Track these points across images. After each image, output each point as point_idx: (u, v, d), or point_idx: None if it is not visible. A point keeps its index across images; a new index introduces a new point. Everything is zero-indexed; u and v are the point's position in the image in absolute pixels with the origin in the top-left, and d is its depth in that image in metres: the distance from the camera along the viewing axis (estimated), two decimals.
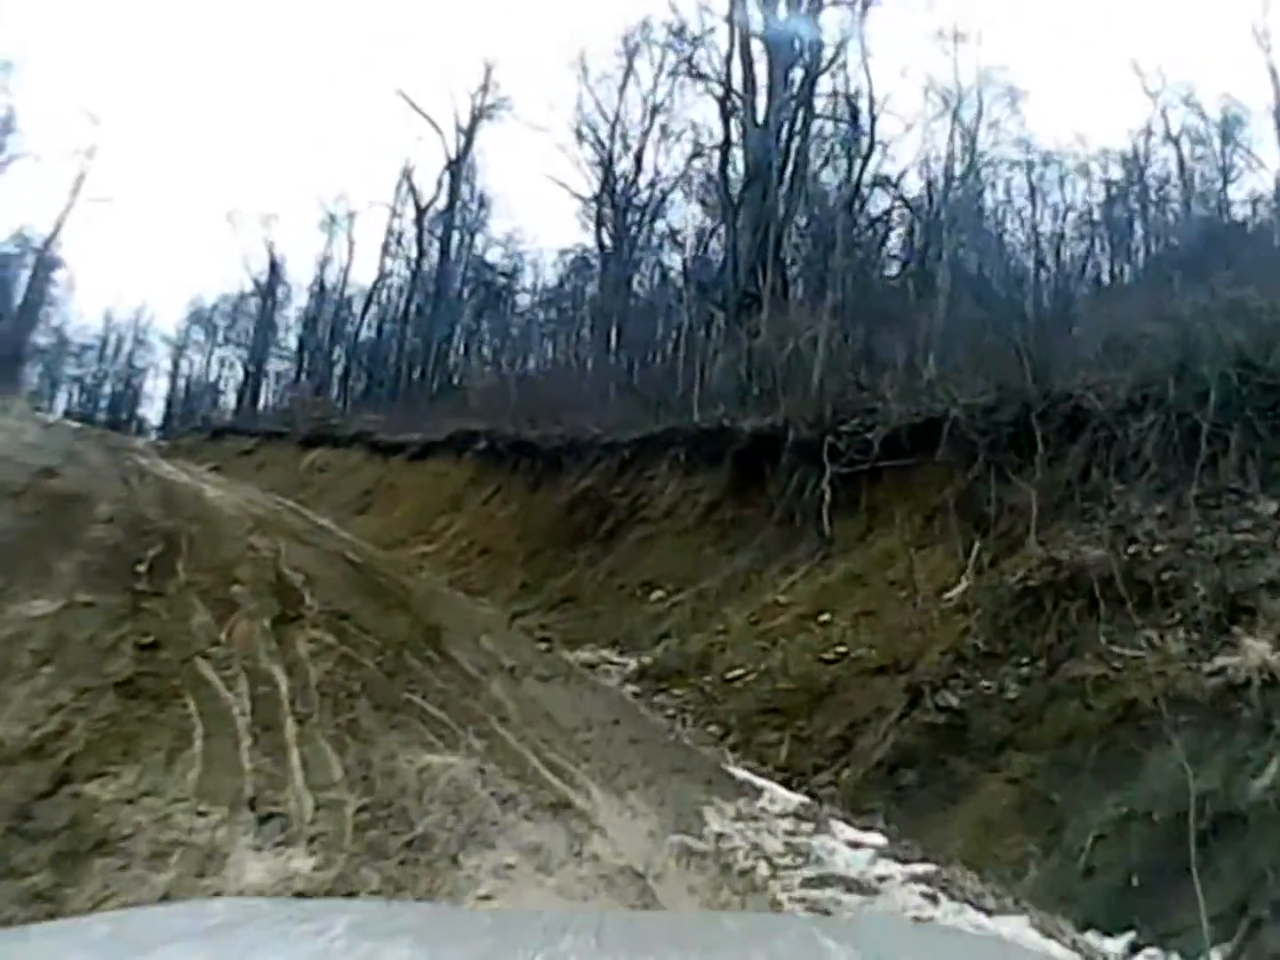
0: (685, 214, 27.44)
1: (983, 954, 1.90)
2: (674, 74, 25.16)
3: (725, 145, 20.45)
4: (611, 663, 8.22)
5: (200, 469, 25.16)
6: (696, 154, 24.40)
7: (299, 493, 20.45)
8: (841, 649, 6.90)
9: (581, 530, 11.75)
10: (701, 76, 22.32)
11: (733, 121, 20.24)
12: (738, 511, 10.14)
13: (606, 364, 23.56)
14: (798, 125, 19.59)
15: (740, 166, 19.90)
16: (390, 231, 35.48)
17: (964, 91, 23.21)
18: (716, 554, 9.87)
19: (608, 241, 27.69)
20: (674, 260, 27.89)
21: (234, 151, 75.07)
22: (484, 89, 32.57)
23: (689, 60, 22.99)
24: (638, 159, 27.61)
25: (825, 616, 7.49)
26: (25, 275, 40.85)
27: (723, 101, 20.62)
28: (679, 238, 27.19)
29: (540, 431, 14.56)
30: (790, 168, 19.24)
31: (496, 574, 11.85)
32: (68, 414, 47.38)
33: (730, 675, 7.22)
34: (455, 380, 29.39)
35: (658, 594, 9.58)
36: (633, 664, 8.05)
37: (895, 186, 23.83)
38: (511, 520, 13.35)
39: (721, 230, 22.09)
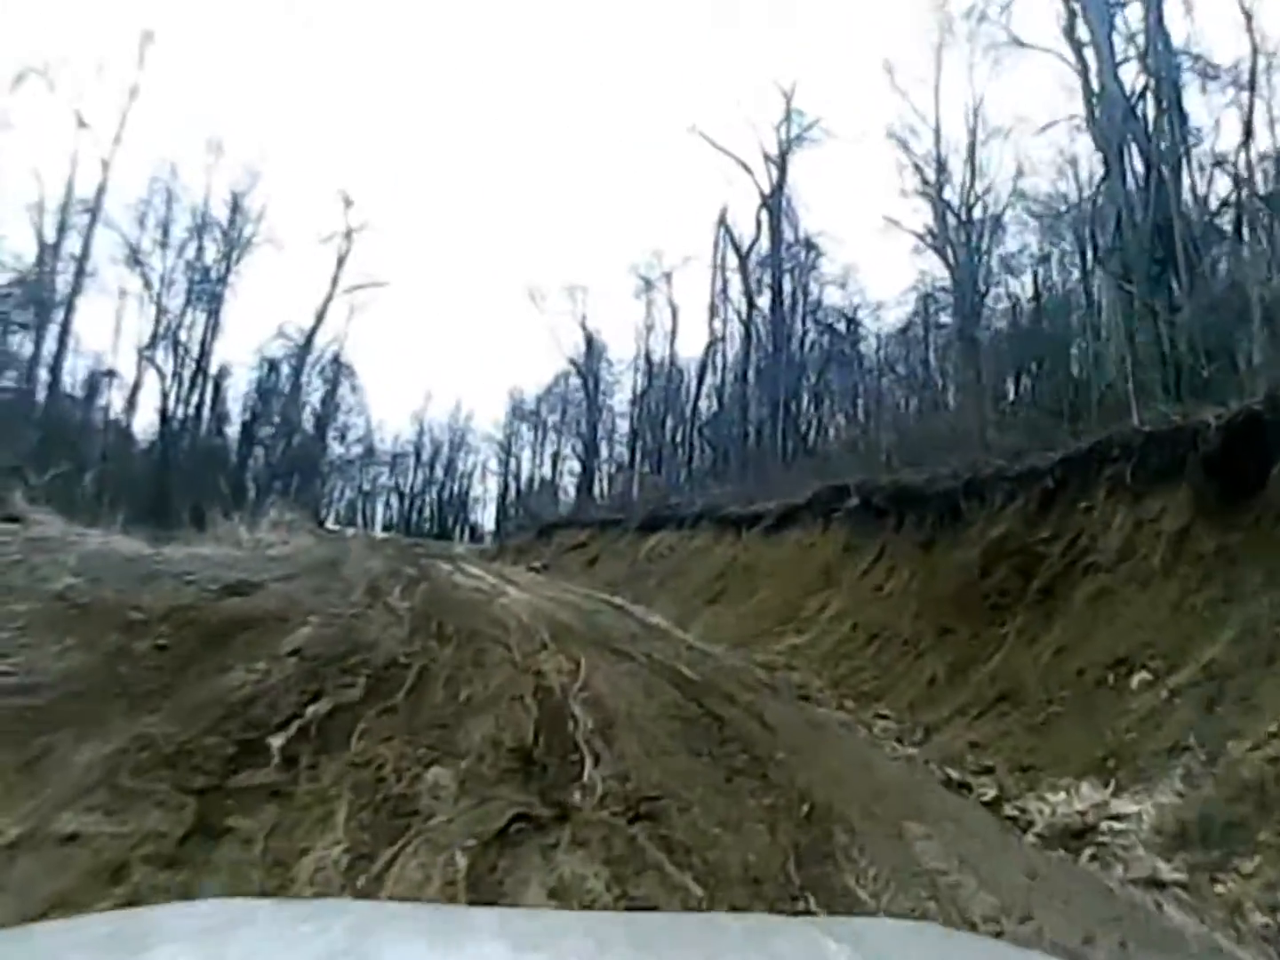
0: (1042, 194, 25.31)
1: (983, 954, 2.09)
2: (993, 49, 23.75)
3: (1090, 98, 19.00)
4: (1112, 816, 5.29)
5: (517, 570, 25.65)
6: (1047, 127, 22.77)
7: (635, 585, 19.88)
8: None
9: (1003, 594, 9.60)
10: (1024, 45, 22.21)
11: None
12: (1220, 539, 7.72)
13: (977, 390, 21.47)
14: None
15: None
16: (714, 287, 35.41)
17: None
18: (1206, 605, 7.49)
19: (952, 259, 25.93)
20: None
21: (520, 222, 77.52)
22: (787, 117, 31.96)
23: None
24: (970, 156, 25.99)
25: None
26: (309, 378, 43.29)
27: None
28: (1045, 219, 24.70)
29: (926, 474, 12.77)
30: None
31: (892, 667, 9.97)
32: (388, 527, 51.17)
33: None
34: (809, 439, 28.17)
35: (1141, 677, 7.26)
36: (1146, 813, 5.21)
37: None
38: (903, 592, 11.49)
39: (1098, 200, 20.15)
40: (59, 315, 30.91)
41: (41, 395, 30.60)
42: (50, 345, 30.69)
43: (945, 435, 14.76)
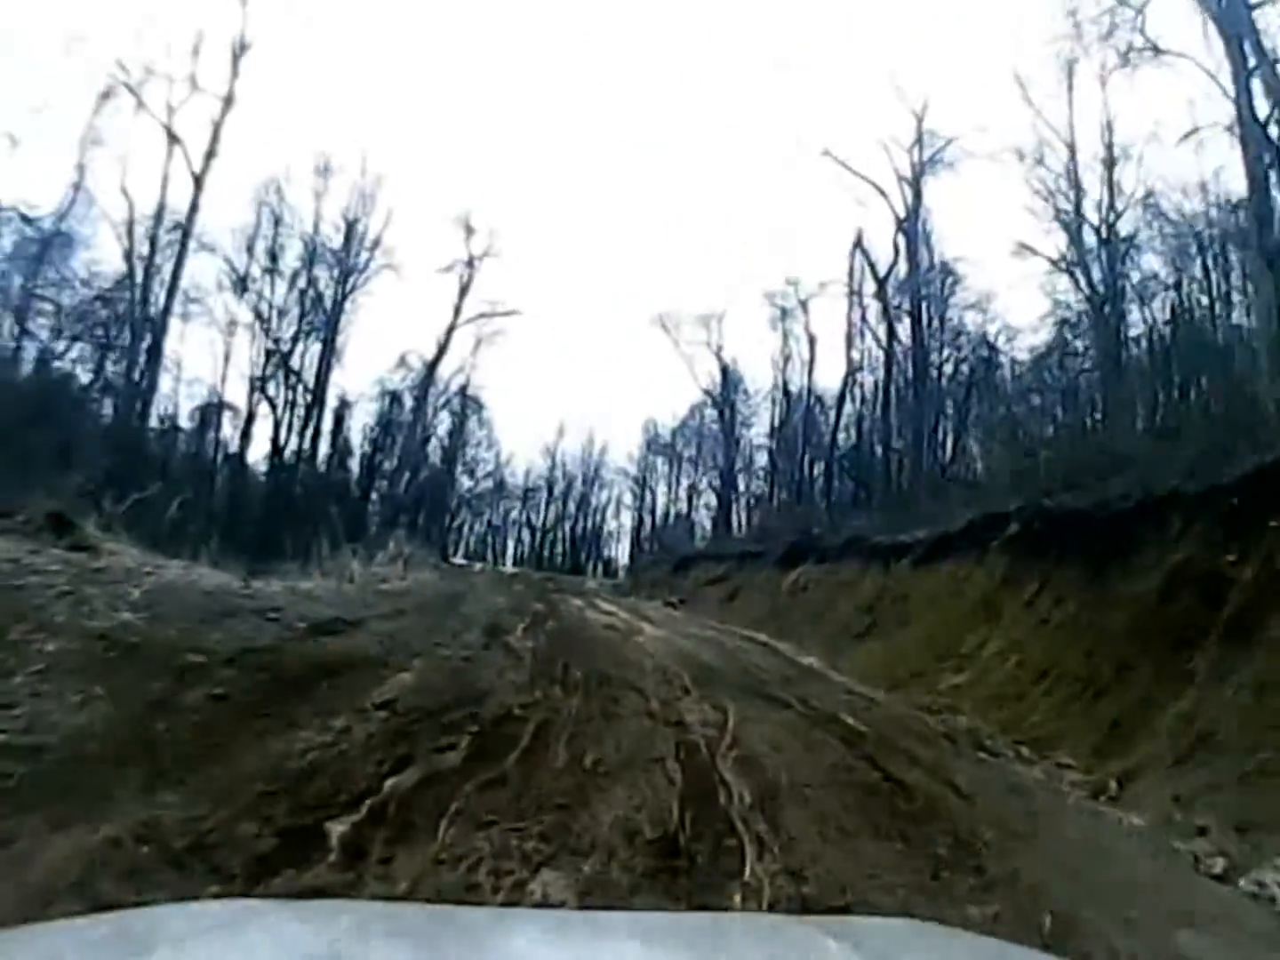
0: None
1: (983, 954, 2.08)
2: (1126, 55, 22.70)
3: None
4: None
5: (652, 605, 24.62)
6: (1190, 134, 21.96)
7: (778, 621, 19.34)
8: None
9: (1187, 625, 8.79)
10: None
11: None
12: None
13: (1128, 410, 20.54)
14: None
15: None
16: (850, 314, 34.79)
17: None
18: None
19: (1088, 282, 25.03)
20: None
21: (650, 248, 76.85)
22: (919, 139, 31.26)
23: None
24: (1108, 169, 24.96)
25: None
26: (434, 410, 43.11)
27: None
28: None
29: (1091, 498, 12.05)
30: None
31: (1066, 709, 9.28)
32: (518, 562, 51.02)
33: None
34: (953, 467, 27.28)
35: None
36: None
37: None
38: (1071, 625, 10.78)
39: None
40: (148, 338, 30.50)
41: (134, 420, 30.25)
42: (141, 368, 30.30)
43: (1105, 458, 13.88)
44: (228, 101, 31.60)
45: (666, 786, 5.47)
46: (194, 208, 31.12)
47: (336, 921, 1.69)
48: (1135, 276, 25.21)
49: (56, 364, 29.83)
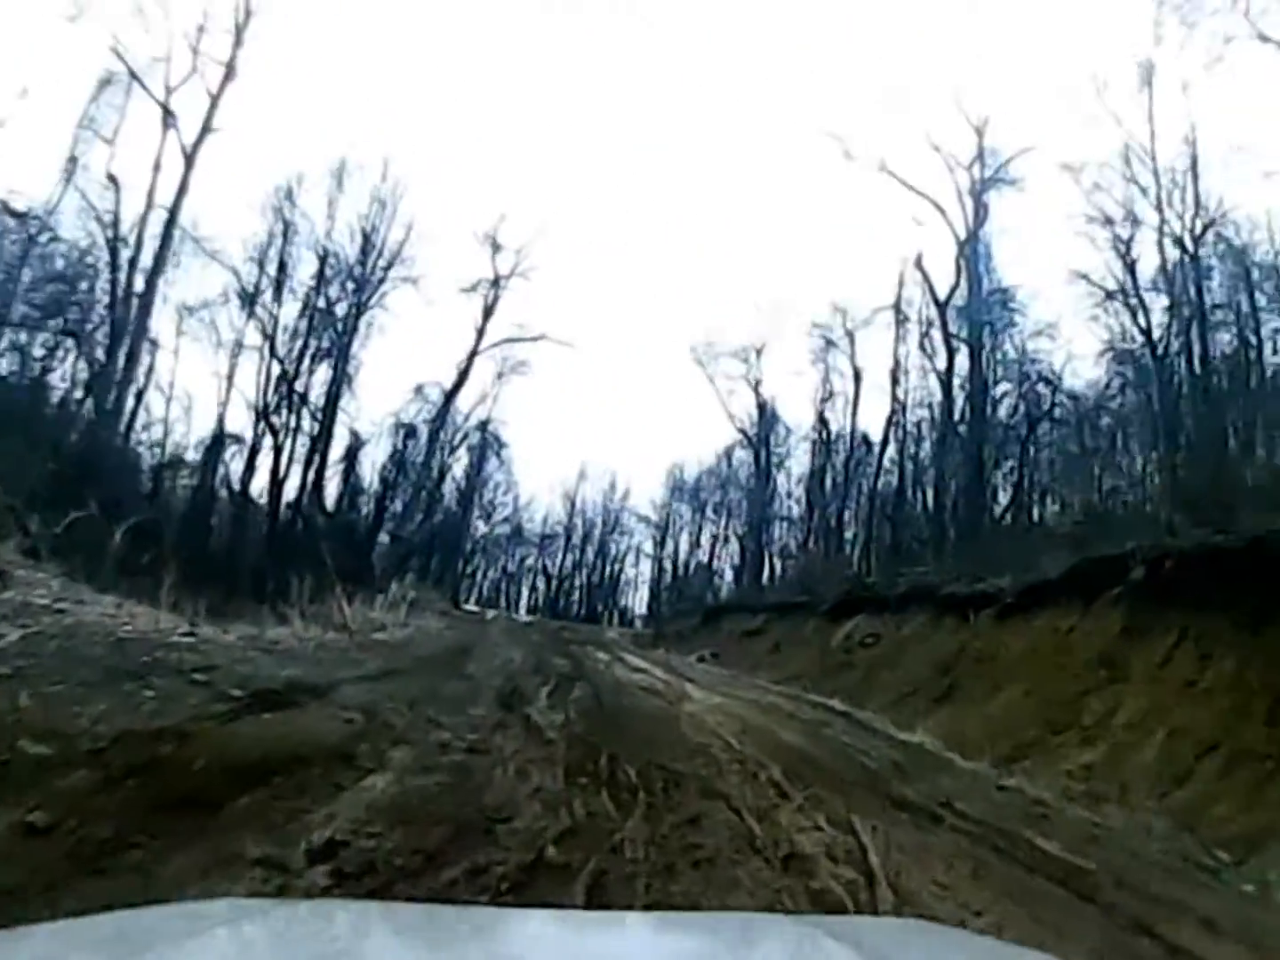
0: None
1: (982, 953, 2.12)
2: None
3: None
4: None
5: (685, 661, 22.98)
6: None
7: (833, 680, 17.41)
8: None
9: None
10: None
11: None
12: None
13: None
14: None
15: None
16: (898, 346, 33.19)
17: None
18: None
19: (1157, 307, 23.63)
20: None
21: (687, 275, 72.45)
22: (980, 155, 29.75)
23: None
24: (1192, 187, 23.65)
25: None
26: (452, 445, 40.95)
27: None
28: None
29: (1235, 535, 10.27)
30: None
31: (1261, 795, 7.47)
32: (533, 609, 49.39)
33: None
34: (1021, 508, 25.53)
35: None
36: None
37: None
38: (1232, 686, 8.93)
39: None
40: (128, 340, 27.62)
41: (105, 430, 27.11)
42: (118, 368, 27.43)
43: (1235, 487, 12.12)
44: (228, 73, 28.71)
45: None
46: (183, 188, 28.13)
47: (336, 921, 1.76)
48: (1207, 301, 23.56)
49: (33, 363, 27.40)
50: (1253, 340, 22.75)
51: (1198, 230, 23.58)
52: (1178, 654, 10.04)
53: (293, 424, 33.37)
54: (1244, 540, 10.19)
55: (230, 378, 32.30)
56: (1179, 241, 23.67)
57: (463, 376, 38.02)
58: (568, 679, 12.97)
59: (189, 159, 28.17)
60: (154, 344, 30.61)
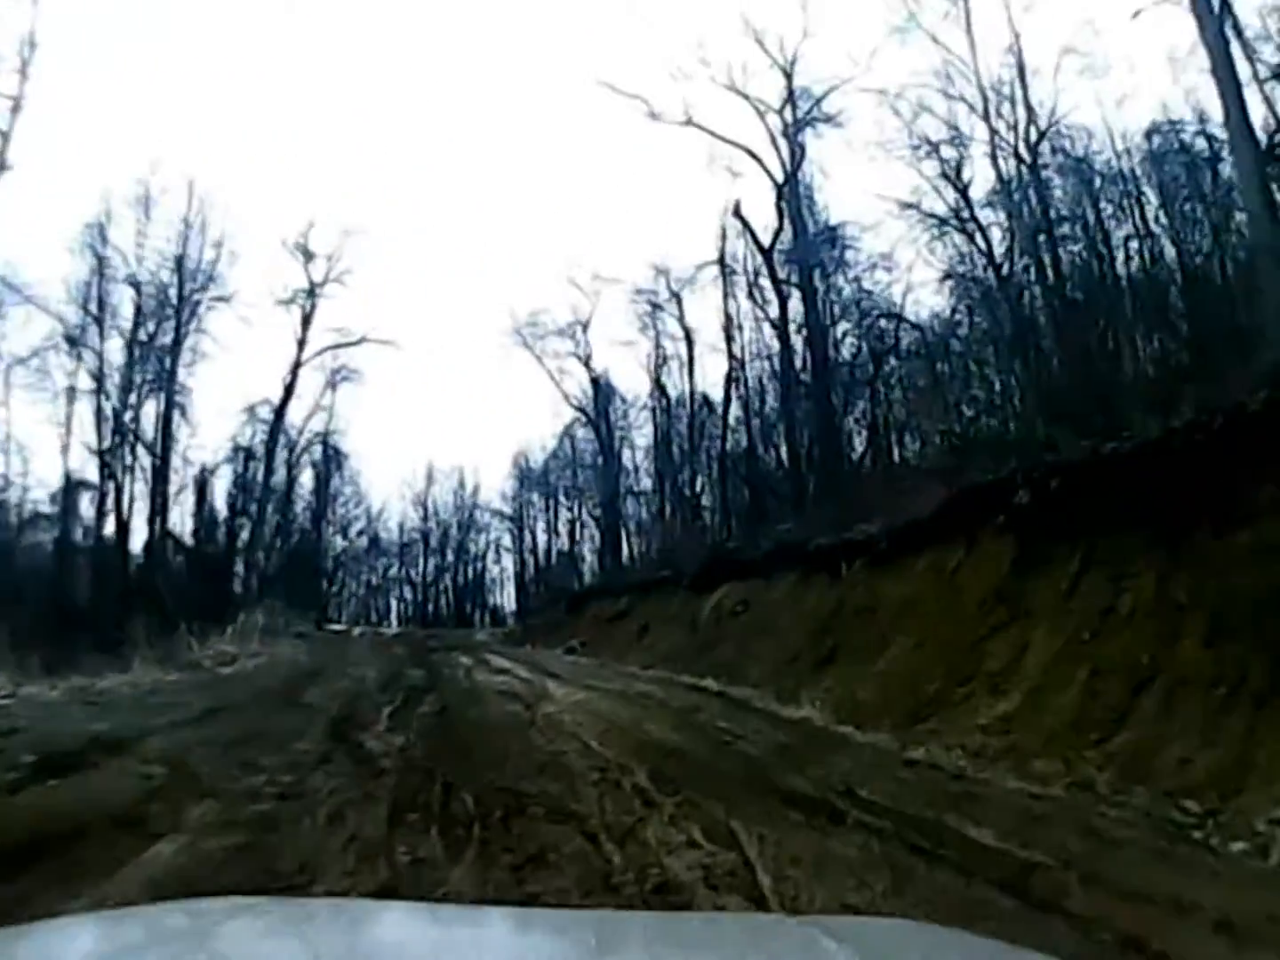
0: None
1: (982, 953, 2.02)
2: None
3: None
4: None
5: (552, 654, 22.44)
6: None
7: (707, 656, 16.20)
8: None
9: None
10: None
11: None
12: None
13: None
14: None
15: None
16: (727, 299, 32.16)
17: None
18: None
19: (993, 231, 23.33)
20: None
21: (503, 257, 69.52)
22: (790, 96, 28.83)
23: None
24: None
25: None
26: (295, 460, 40.26)
27: None
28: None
29: (1133, 438, 9.27)
30: None
31: (1209, 733, 6.21)
32: (404, 620, 48.16)
33: None
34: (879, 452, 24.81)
35: None
36: None
37: None
38: (1154, 606, 7.70)
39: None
40: None
41: None
42: None
43: (1110, 393, 11.16)
44: (16, 106, 26.12)
45: None
46: None
47: (336, 921, 1.75)
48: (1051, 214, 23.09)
49: None
50: (1103, 251, 22.42)
51: (1033, 139, 23.12)
52: (1085, 581, 8.91)
53: (129, 462, 32.44)
54: (1136, 444, 9.15)
55: (68, 424, 31.41)
56: (1015, 153, 23.17)
57: (289, 390, 37.13)
58: (418, 692, 12.21)
59: None
60: None
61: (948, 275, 26.28)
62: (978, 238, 24.59)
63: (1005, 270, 23.22)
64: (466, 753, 7.84)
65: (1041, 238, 21.76)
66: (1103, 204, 22.86)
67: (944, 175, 25.67)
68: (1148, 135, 22.52)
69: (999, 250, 24.01)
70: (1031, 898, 4.34)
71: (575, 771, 6.97)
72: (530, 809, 5.81)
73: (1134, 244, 22.27)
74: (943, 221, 25.90)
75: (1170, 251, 21.37)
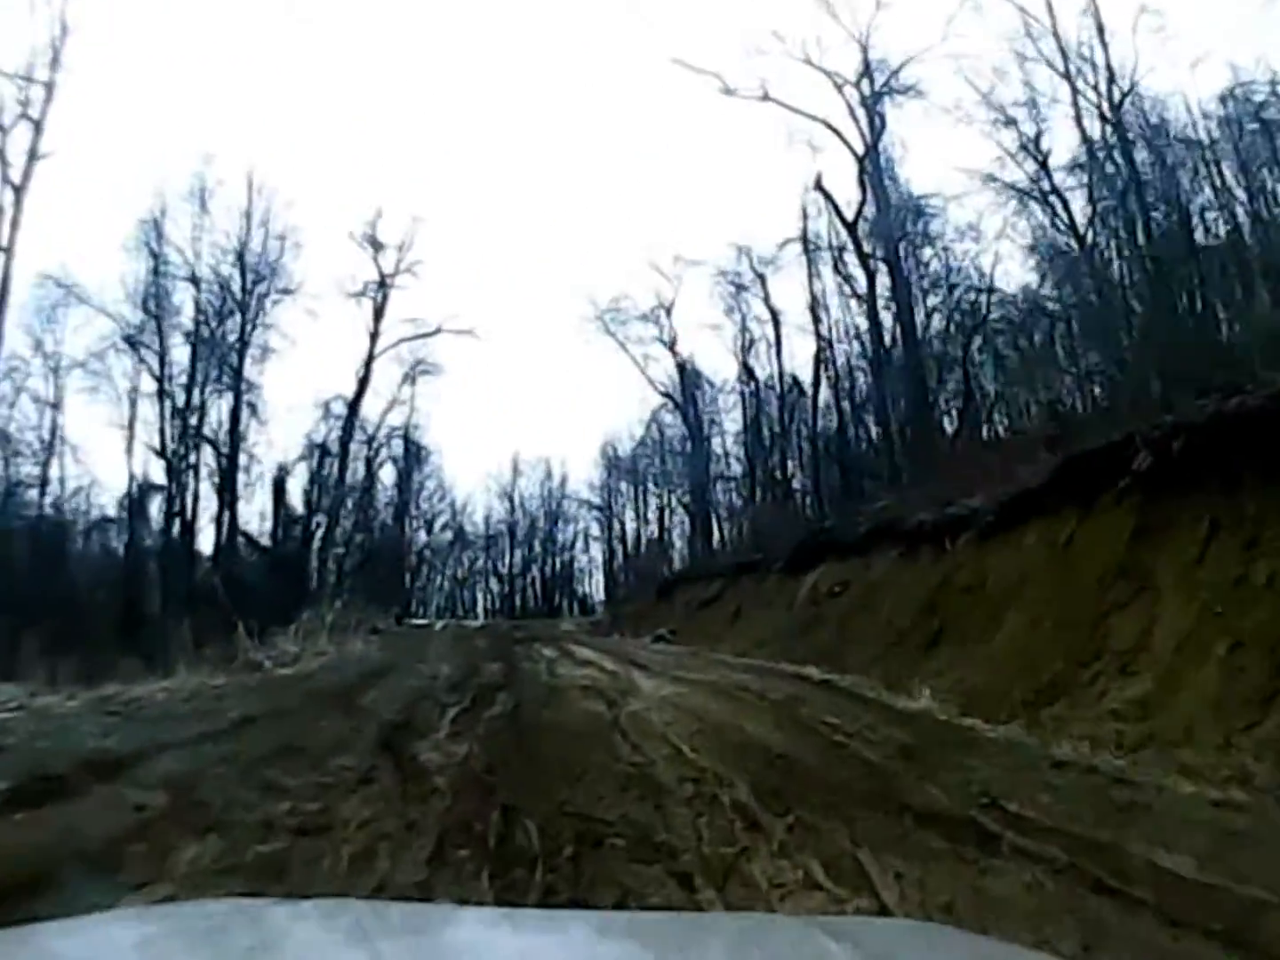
0: None
1: (983, 954, 2.03)
2: None
3: None
4: None
5: (640, 644, 21.65)
6: None
7: (804, 642, 15.66)
8: None
9: None
10: None
11: None
12: None
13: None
14: None
15: None
16: (813, 278, 31.55)
17: None
18: None
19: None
20: None
21: (583, 244, 70.29)
22: (866, 70, 28.10)
23: None
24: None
25: None
26: (376, 454, 40.09)
27: None
28: None
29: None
30: None
31: None
32: (490, 612, 48.15)
33: None
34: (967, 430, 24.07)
35: None
36: None
37: None
38: None
39: None
40: None
41: None
42: None
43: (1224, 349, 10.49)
44: (49, 91, 26.74)
45: None
46: (14, 225, 26.49)
47: (337, 921, 1.69)
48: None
49: None
50: (1183, 215, 21.64)
51: (1116, 99, 22.23)
52: (1214, 547, 8.31)
53: (194, 462, 32.50)
54: (1264, 397, 8.53)
55: (131, 426, 31.39)
56: (1100, 114, 22.33)
57: (363, 384, 37.03)
58: (491, 690, 11.24)
59: (18, 191, 26.59)
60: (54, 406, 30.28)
61: (1033, 247, 25.56)
62: (1059, 209, 23.86)
63: (1089, 239, 22.40)
64: (537, 765, 6.95)
65: (1129, 196, 20.92)
66: (1180, 175, 22.29)
67: (1023, 147, 25.12)
68: (1222, 100, 21.80)
69: (1080, 220, 23.28)
70: (1272, 954, 3.45)
71: (664, 787, 6.12)
72: (608, 840, 4.95)
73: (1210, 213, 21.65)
74: (1024, 194, 25.30)
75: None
